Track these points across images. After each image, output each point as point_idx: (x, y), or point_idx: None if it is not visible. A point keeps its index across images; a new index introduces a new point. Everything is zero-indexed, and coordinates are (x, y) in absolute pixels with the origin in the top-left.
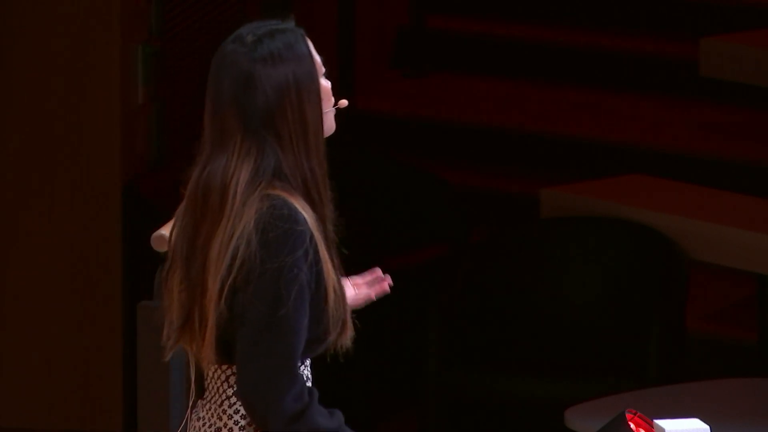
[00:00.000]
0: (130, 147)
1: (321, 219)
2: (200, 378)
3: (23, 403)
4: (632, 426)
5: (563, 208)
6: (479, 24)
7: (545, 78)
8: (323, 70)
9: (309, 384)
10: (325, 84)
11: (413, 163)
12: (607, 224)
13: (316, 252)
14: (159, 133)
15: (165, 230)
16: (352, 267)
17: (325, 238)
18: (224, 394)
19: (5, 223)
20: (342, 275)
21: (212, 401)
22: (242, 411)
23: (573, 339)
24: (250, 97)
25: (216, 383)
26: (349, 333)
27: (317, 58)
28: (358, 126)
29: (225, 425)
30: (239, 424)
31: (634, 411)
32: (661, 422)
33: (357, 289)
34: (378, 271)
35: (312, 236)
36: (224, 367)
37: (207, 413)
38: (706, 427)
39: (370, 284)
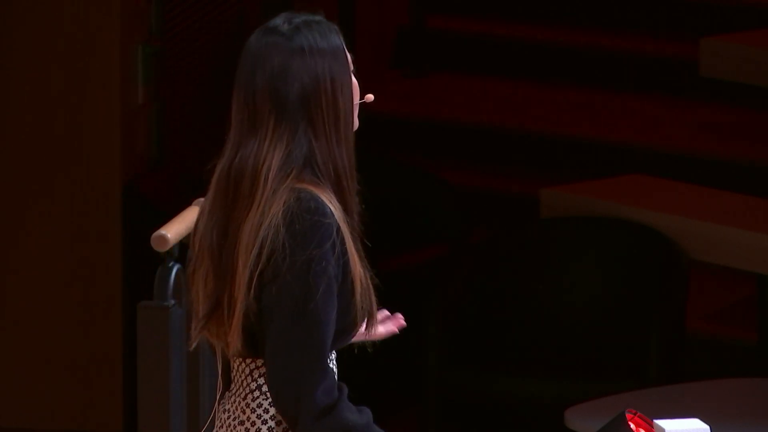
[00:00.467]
0: (130, 147)
1: (348, 210)
2: (227, 369)
3: (23, 403)
4: (632, 426)
5: (563, 208)
6: (479, 24)
7: (545, 78)
8: (352, 66)
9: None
10: (354, 80)
11: (413, 163)
12: (607, 224)
13: (343, 244)
14: (159, 133)
15: (165, 230)
16: None
17: (352, 231)
18: (248, 388)
19: (5, 223)
20: (367, 267)
21: (237, 394)
22: (265, 405)
23: (573, 339)
24: (286, 84)
25: (241, 376)
26: (376, 325)
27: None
28: (358, 126)
29: (248, 418)
30: (262, 418)
31: (634, 411)
32: (661, 422)
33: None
34: (386, 312)
35: (339, 229)
36: (248, 360)
37: (232, 406)
38: (706, 427)
39: (383, 323)
